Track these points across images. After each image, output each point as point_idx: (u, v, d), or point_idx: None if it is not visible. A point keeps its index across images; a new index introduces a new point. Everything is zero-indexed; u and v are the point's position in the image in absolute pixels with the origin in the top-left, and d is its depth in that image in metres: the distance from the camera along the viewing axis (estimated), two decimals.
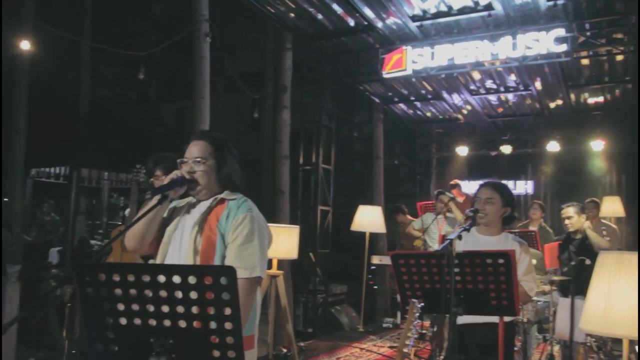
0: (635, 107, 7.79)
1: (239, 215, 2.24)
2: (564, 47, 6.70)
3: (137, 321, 1.66)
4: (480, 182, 3.42)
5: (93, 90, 14.63)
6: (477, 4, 6.63)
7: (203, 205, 2.32)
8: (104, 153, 13.54)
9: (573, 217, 5.24)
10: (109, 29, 14.54)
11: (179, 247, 2.29)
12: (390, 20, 7.21)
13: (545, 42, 6.72)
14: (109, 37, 12.93)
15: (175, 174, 2.29)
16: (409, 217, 8.56)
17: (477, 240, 3.19)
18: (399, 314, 8.33)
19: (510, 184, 11.71)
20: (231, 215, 2.25)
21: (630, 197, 9.98)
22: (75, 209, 11.78)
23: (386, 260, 8.57)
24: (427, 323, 6.70)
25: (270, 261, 5.26)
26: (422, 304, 2.28)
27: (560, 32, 6.65)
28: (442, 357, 3.96)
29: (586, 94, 9.28)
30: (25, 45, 8.31)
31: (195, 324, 1.62)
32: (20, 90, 9.42)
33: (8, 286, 5.22)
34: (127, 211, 2.70)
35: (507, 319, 2.94)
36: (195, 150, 2.32)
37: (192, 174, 2.29)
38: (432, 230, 7.00)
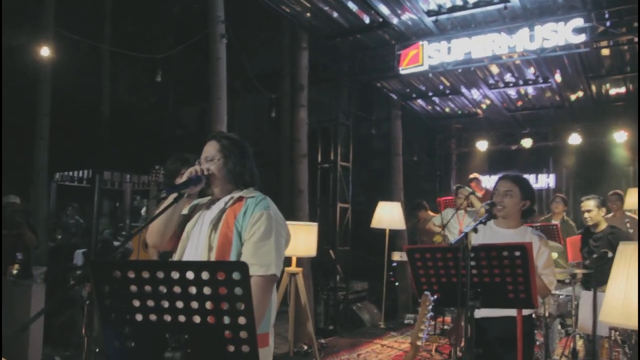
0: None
1: (256, 213, 2.27)
2: (582, 38, 6.60)
3: (153, 317, 1.68)
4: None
5: (113, 95, 14.83)
6: None
7: (222, 203, 2.37)
8: (125, 156, 13.72)
9: (592, 210, 5.18)
10: (128, 34, 14.73)
11: (197, 243, 2.33)
12: (406, 16, 7.18)
13: (563, 33, 6.62)
14: (128, 42, 13.11)
15: (190, 171, 2.34)
16: (430, 213, 8.53)
17: (495, 233, 3.17)
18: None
19: (531, 177, 11.58)
20: (248, 213, 2.28)
21: None
22: (99, 212, 11.94)
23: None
24: (449, 319, 6.67)
25: (289, 259, 5.29)
26: (436, 296, 2.28)
27: (579, 22, 6.55)
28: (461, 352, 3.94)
29: (607, 85, 9.13)
30: (45, 51, 8.44)
31: (209, 319, 1.64)
32: (43, 97, 9.59)
33: (34, 287, 5.34)
34: (143, 210, 2.75)
35: (525, 312, 2.92)
36: (207, 150, 2.41)
37: (206, 171, 2.34)
38: (453, 225, 6.95)
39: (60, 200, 12.54)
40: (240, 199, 2.34)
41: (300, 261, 5.58)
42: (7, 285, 5.56)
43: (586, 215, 5.19)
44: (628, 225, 6.36)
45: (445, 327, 6.67)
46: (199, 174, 2.32)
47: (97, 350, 3.99)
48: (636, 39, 6.94)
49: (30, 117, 9.66)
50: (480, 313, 2.70)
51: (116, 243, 10.44)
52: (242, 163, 2.39)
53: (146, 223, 2.40)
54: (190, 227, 2.38)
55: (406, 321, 8.42)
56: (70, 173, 13.19)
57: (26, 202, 7.92)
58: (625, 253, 2.41)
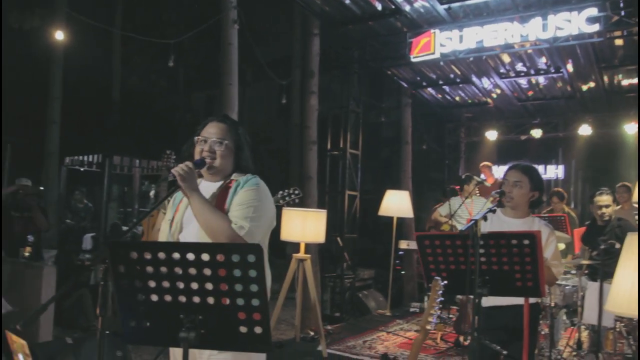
0: None
1: (245, 186, 2.34)
2: (596, 27, 6.54)
3: (168, 298, 1.73)
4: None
5: (124, 79, 14.89)
6: None
7: (212, 187, 2.39)
8: (135, 141, 13.79)
9: (611, 205, 5.15)
10: (140, 19, 14.76)
11: (190, 229, 2.35)
12: (418, 4, 7.14)
13: (576, 23, 6.57)
14: (140, 27, 13.13)
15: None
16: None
17: (502, 223, 3.18)
18: (426, 299, 8.32)
19: (540, 168, 11.54)
20: (238, 189, 2.34)
21: None
22: (108, 196, 12.04)
23: (413, 245, 8.55)
24: (454, 309, 6.70)
25: (297, 245, 5.33)
26: (445, 282, 2.30)
27: (593, 11, 6.49)
28: (467, 341, 3.97)
29: (620, 76, 9.04)
30: (59, 35, 8.47)
31: (223, 300, 1.69)
32: (55, 81, 9.65)
33: (45, 269, 5.41)
34: (151, 193, 2.79)
35: (532, 300, 2.95)
36: (214, 131, 2.41)
37: (212, 153, 2.38)
38: (460, 214, 6.97)
39: (70, 184, 12.64)
40: (230, 182, 2.39)
41: (308, 247, 5.61)
42: (19, 266, 5.64)
43: (604, 210, 5.14)
44: (636, 217, 6.35)
45: (451, 316, 6.70)
46: (202, 158, 2.37)
47: (106, 332, 4.04)
48: None
49: (42, 101, 9.72)
50: (488, 301, 2.72)
51: (125, 228, 10.53)
52: (247, 149, 2.46)
53: (155, 206, 2.45)
54: (182, 212, 2.40)
55: (412, 309, 8.45)
56: (80, 157, 13.28)
57: (37, 185, 8.01)
58: (633, 243, 2.43)
